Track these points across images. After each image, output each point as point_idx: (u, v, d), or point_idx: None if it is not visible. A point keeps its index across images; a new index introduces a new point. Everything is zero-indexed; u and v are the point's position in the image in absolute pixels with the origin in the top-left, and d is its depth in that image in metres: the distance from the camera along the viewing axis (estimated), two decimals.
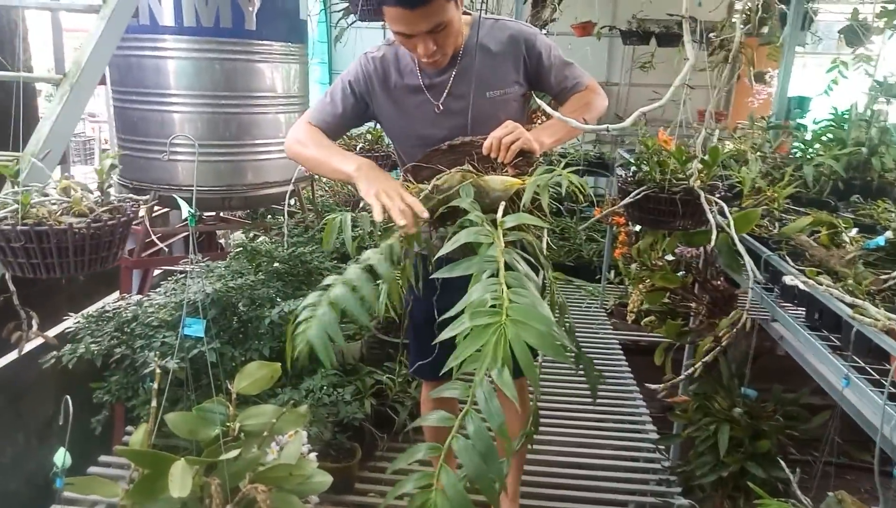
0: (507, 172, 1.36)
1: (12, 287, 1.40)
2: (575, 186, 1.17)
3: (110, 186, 1.54)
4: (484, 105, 1.55)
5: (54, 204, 1.43)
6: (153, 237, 2.27)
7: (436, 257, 1.17)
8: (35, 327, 1.41)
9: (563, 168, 1.28)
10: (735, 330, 1.51)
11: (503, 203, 1.26)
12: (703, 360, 1.47)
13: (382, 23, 3.57)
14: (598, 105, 1.61)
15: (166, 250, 2.61)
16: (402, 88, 1.59)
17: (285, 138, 1.68)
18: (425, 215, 1.27)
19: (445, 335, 0.91)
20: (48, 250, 1.32)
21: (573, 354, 1.21)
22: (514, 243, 1.11)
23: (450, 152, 1.47)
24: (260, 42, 2.87)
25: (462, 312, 0.91)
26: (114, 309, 2.16)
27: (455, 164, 1.43)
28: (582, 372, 1.27)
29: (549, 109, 1.28)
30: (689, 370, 1.55)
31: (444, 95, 1.55)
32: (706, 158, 1.68)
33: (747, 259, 1.51)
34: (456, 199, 1.26)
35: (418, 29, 1.38)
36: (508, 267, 0.96)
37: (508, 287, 0.91)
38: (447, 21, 1.39)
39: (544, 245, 1.29)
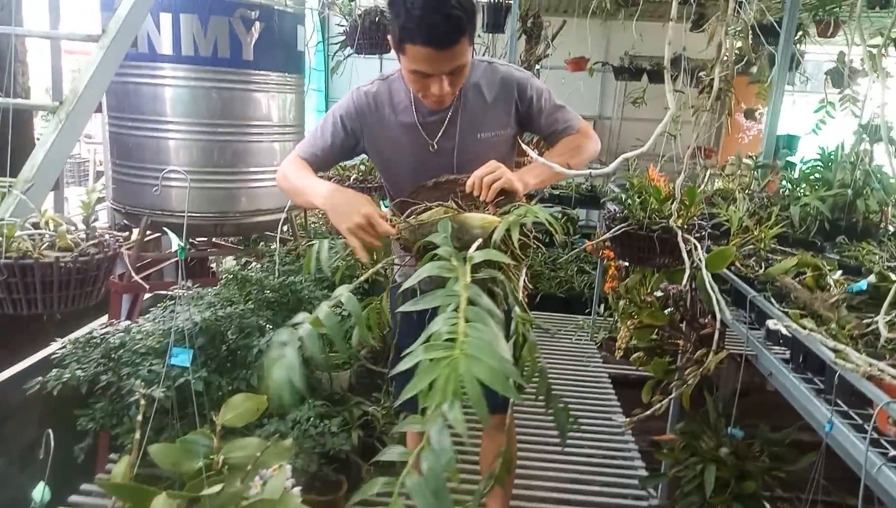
0: (488, 210, 1.38)
1: None
2: (543, 221, 1.20)
3: (96, 219, 1.54)
4: (475, 146, 1.58)
5: (41, 238, 1.41)
6: (135, 277, 2.26)
7: (402, 289, 1.19)
8: None
9: (536, 203, 1.30)
10: (701, 371, 1.54)
11: (480, 240, 1.28)
12: (671, 398, 1.50)
13: (378, 54, 3.63)
14: (588, 148, 1.63)
15: (146, 285, 2.61)
16: (395, 124, 1.61)
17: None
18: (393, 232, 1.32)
19: (402, 366, 0.91)
20: (31, 285, 1.30)
21: (541, 393, 1.22)
22: (486, 280, 1.13)
23: (435, 189, 1.50)
24: (257, 72, 2.91)
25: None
26: (101, 335, 2.15)
27: (440, 200, 1.45)
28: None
29: (532, 154, 1.31)
30: (656, 407, 1.57)
31: (439, 134, 1.58)
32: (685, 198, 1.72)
33: (715, 298, 1.54)
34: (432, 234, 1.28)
35: (440, 69, 1.39)
36: (472, 302, 0.97)
37: (468, 321, 0.92)
38: (465, 63, 1.43)
39: (521, 284, 1.30)
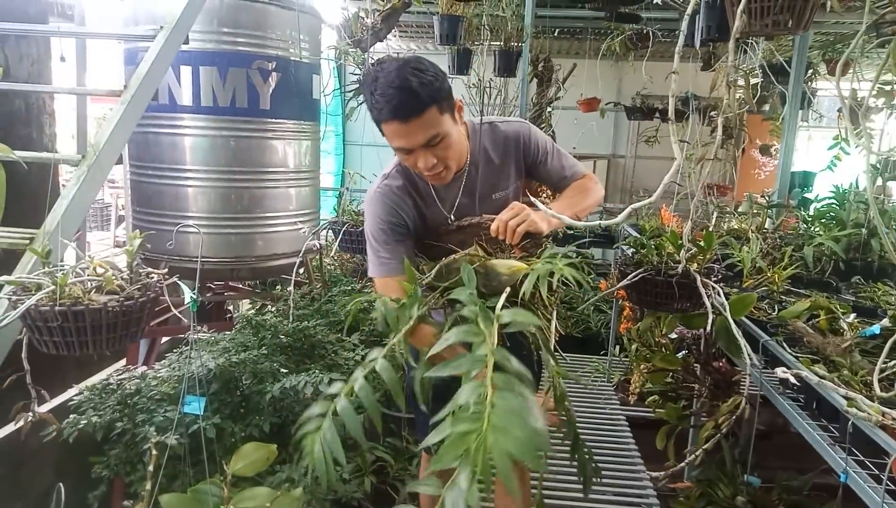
0: (514, 253, 1.40)
1: (27, 366, 1.42)
2: (568, 280, 1.20)
3: (139, 263, 1.61)
4: (491, 204, 1.63)
5: (87, 283, 1.49)
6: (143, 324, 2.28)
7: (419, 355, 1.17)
8: (36, 407, 1.41)
9: (562, 254, 1.31)
10: (734, 417, 1.50)
11: (508, 289, 1.28)
12: (704, 448, 1.46)
13: None
14: (595, 192, 1.67)
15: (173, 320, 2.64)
16: (418, 205, 1.62)
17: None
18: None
19: (431, 439, 0.90)
20: (83, 329, 1.38)
21: (570, 445, 1.21)
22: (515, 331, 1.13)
23: (458, 232, 1.52)
24: (273, 120, 2.98)
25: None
26: (117, 381, 2.18)
27: (463, 243, 1.48)
28: (595, 455, 1.27)
29: (541, 206, 1.33)
30: (690, 458, 1.53)
31: (456, 205, 1.61)
32: (701, 243, 1.71)
33: (744, 345, 1.52)
34: (459, 284, 1.28)
35: (416, 142, 1.41)
36: (500, 367, 0.96)
37: (495, 389, 0.91)
38: (443, 133, 1.43)
39: (553, 327, 1.30)
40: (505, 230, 1.43)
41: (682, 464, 1.54)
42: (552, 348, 1.35)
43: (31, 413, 1.43)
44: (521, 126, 1.67)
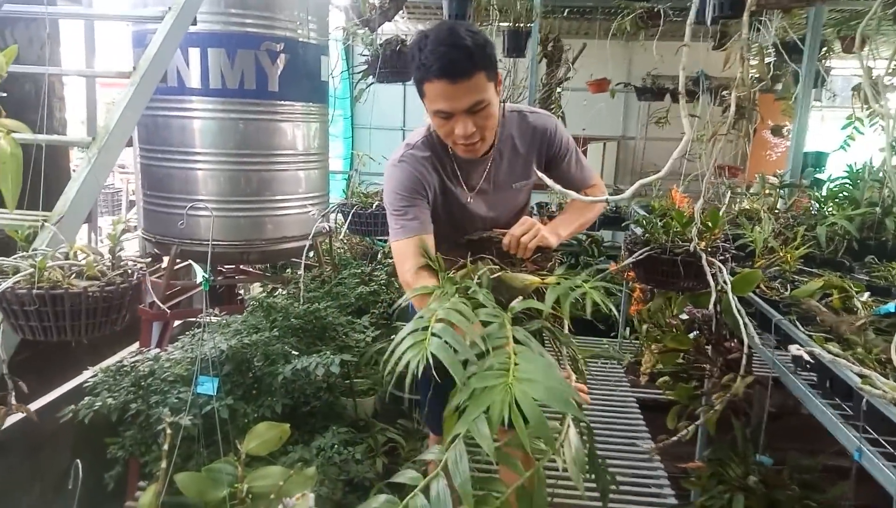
0: (525, 266, 1.42)
1: (2, 354, 1.39)
2: (598, 303, 1.20)
3: (122, 249, 1.59)
4: (508, 194, 1.65)
5: (66, 267, 1.47)
6: (162, 307, 2.30)
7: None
8: (14, 401, 1.37)
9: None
10: (728, 394, 1.51)
11: (520, 297, 1.30)
12: (697, 424, 1.48)
13: (400, 81, 3.69)
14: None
15: (168, 312, 2.64)
16: (444, 182, 1.63)
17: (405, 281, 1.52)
18: None
19: (455, 402, 0.91)
20: (61, 314, 1.35)
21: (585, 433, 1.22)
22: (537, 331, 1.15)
23: (469, 246, 1.54)
24: (282, 102, 2.97)
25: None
26: (131, 363, 2.20)
27: (474, 254, 1.49)
28: (605, 438, 1.28)
29: (555, 186, 1.32)
30: (682, 433, 1.55)
31: (476, 189, 1.62)
32: (708, 221, 1.70)
33: (742, 320, 1.52)
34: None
35: (459, 106, 1.40)
36: (520, 342, 0.97)
37: (517, 355, 0.92)
38: (487, 101, 1.42)
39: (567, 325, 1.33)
40: (517, 246, 1.46)
41: (674, 438, 1.56)
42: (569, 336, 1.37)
43: (8, 407, 1.38)
44: (548, 120, 1.67)
